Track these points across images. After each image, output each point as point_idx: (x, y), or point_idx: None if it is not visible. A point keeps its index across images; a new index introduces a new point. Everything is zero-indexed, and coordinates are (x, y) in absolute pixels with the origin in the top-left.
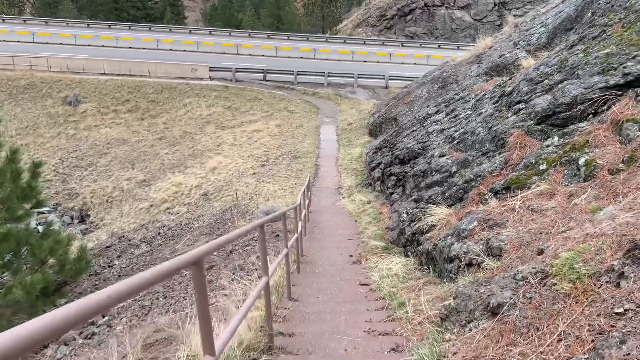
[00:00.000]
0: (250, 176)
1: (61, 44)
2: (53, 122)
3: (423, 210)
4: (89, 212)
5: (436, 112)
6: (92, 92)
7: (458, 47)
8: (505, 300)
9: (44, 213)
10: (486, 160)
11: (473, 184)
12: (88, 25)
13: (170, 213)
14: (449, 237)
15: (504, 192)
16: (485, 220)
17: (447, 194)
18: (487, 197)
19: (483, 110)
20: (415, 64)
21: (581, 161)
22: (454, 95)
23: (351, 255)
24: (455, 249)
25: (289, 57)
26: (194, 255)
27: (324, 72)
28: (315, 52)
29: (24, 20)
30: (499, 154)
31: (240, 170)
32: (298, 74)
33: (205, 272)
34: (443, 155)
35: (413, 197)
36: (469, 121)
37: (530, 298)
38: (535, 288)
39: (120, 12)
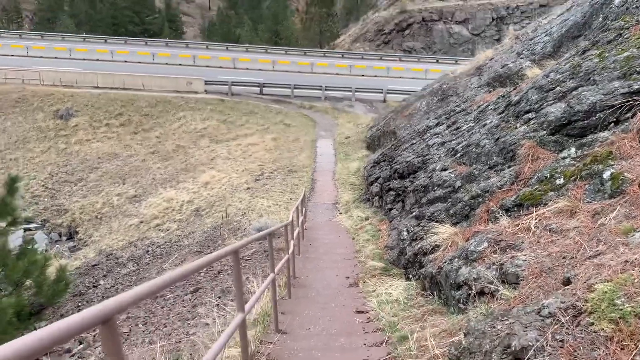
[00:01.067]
0: (244, 191)
1: (56, 57)
2: (43, 136)
3: (425, 228)
4: (77, 229)
5: (436, 125)
6: (84, 106)
7: (456, 61)
8: (530, 343)
9: (31, 230)
10: (494, 174)
11: (480, 200)
12: (84, 39)
13: (160, 230)
14: (456, 259)
15: (516, 209)
16: (497, 241)
17: (451, 211)
18: (497, 214)
19: (487, 122)
20: (413, 78)
21: (606, 175)
22: (454, 107)
23: (348, 277)
24: (463, 273)
25: (286, 71)
26: (102, 312)
27: (321, 86)
28: (313, 66)
29: (19, 35)
30: (509, 167)
31: (233, 184)
32: (295, 88)
33: (119, 334)
34: (445, 169)
35: (414, 213)
36: (472, 133)
37: (561, 341)
38: (567, 328)
39: (118, 28)
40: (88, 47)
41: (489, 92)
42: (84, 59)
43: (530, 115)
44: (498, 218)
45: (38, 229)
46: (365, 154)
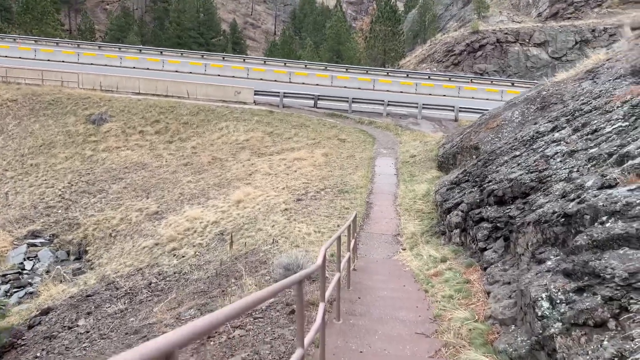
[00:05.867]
0: (280, 213)
1: (106, 65)
2: (71, 141)
3: (615, 301)
4: (87, 248)
5: (552, 130)
6: (120, 111)
7: (535, 85)
8: None
9: (36, 245)
10: None
11: None
12: (140, 50)
13: (174, 255)
14: None
15: None
16: None
17: None
18: None
19: None
20: (487, 99)
21: None
22: (580, 105)
23: None
24: None
25: (345, 87)
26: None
27: (383, 101)
28: (375, 83)
29: (78, 45)
30: None
31: (269, 204)
32: (353, 102)
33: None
34: (610, 186)
35: (548, 263)
36: None
37: None
38: None
39: (182, 47)
40: (139, 57)
41: (637, 83)
42: (134, 67)
43: None
44: None
45: (44, 245)
46: (435, 175)
